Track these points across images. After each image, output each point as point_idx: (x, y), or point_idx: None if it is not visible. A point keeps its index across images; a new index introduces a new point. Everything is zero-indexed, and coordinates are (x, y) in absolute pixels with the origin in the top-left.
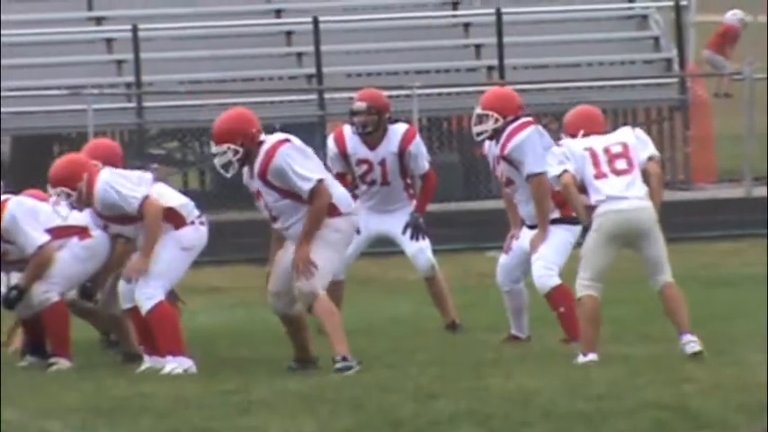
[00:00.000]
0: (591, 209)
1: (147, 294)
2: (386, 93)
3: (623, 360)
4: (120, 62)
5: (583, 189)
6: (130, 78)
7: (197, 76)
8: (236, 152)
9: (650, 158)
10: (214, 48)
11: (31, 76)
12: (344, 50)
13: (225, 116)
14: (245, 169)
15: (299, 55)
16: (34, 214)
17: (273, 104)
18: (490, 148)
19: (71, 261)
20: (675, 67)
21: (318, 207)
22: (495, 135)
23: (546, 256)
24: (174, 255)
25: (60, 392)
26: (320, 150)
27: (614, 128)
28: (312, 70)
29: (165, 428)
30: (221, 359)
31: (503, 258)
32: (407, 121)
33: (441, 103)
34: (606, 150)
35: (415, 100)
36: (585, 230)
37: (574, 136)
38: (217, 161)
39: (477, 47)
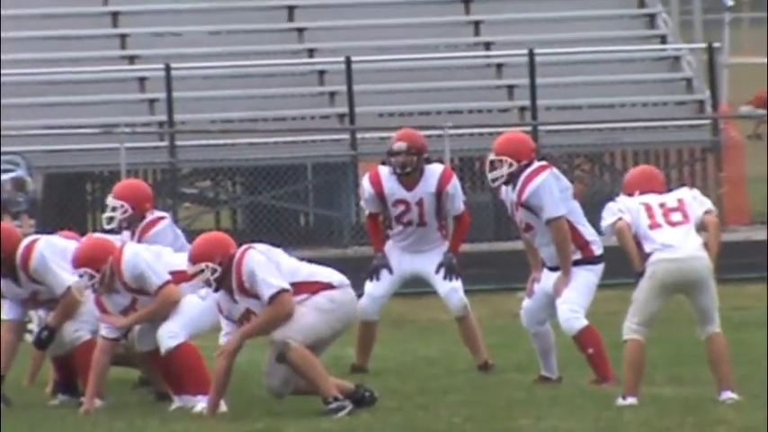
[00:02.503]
0: (644, 257)
1: (170, 333)
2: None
3: (654, 401)
4: (152, 101)
5: (638, 243)
6: (163, 117)
7: (229, 115)
8: (213, 271)
9: (707, 212)
10: (246, 87)
11: (64, 115)
12: (377, 90)
13: (202, 237)
14: (225, 299)
15: (332, 94)
16: (63, 254)
17: (305, 143)
18: (507, 194)
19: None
20: (708, 108)
21: (273, 314)
22: (511, 180)
23: (571, 298)
24: (208, 305)
25: (92, 431)
26: (351, 191)
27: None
28: (344, 110)
29: None
30: (252, 397)
31: (526, 302)
32: (440, 161)
33: (472, 144)
34: (661, 205)
35: (446, 140)
36: (640, 276)
37: (631, 195)
38: (197, 280)
39: (510, 87)
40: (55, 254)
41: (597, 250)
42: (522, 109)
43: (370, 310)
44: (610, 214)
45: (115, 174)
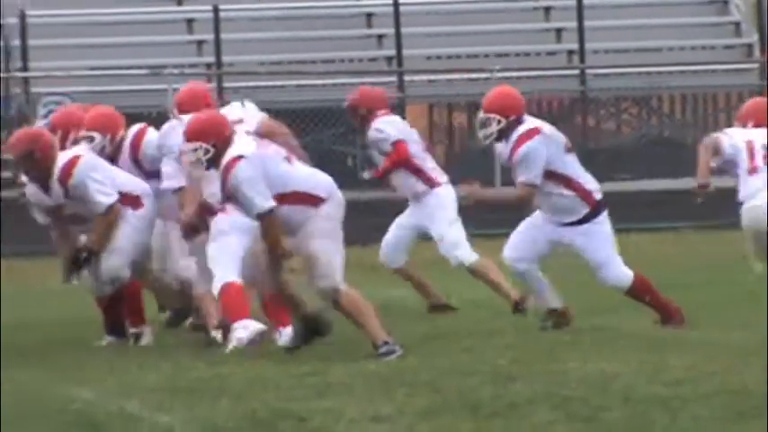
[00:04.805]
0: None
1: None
2: (465, 75)
3: (702, 345)
4: (200, 42)
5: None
6: (211, 59)
7: (277, 57)
8: (206, 151)
9: None
10: (295, 29)
11: (113, 56)
12: (425, 33)
13: (197, 117)
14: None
15: (380, 37)
16: (104, 173)
17: (353, 86)
18: (502, 148)
19: (132, 233)
20: (756, 52)
21: (268, 235)
22: (502, 136)
23: (603, 261)
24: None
25: (139, 372)
26: None
27: (694, 112)
28: (392, 52)
29: (242, 410)
30: None
31: (514, 238)
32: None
33: (520, 87)
34: (765, 146)
35: (494, 83)
36: (700, 188)
37: (745, 125)
38: (189, 156)
39: (558, 30)
40: (97, 172)
41: (597, 195)
42: (570, 52)
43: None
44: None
45: (162, 115)
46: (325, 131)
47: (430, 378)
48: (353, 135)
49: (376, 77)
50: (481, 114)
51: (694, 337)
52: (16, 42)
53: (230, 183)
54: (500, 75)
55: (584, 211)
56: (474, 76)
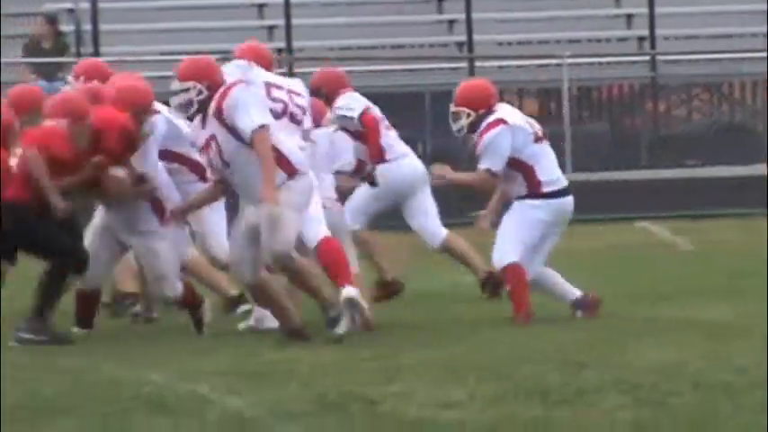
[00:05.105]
0: None
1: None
2: (536, 62)
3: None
4: (271, 28)
5: None
6: (281, 44)
7: (347, 42)
8: (199, 92)
9: None
10: (365, 14)
11: (184, 41)
12: (496, 18)
13: (190, 59)
14: (195, 127)
15: (451, 22)
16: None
17: (423, 72)
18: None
19: (175, 253)
20: None
21: (263, 150)
22: (473, 128)
23: (504, 234)
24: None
25: (206, 356)
26: None
27: (765, 99)
28: (463, 38)
29: (310, 394)
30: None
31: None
32: (557, 90)
33: (591, 73)
34: None
35: (565, 69)
36: None
37: None
38: (176, 99)
39: (629, 16)
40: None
41: (545, 188)
42: (641, 38)
43: None
44: None
45: None
46: (395, 117)
47: (499, 364)
48: (423, 121)
49: (446, 63)
50: (452, 107)
51: (762, 325)
52: (88, 27)
53: (227, 104)
54: (570, 61)
55: (522, 193)
56: (544, 62)
